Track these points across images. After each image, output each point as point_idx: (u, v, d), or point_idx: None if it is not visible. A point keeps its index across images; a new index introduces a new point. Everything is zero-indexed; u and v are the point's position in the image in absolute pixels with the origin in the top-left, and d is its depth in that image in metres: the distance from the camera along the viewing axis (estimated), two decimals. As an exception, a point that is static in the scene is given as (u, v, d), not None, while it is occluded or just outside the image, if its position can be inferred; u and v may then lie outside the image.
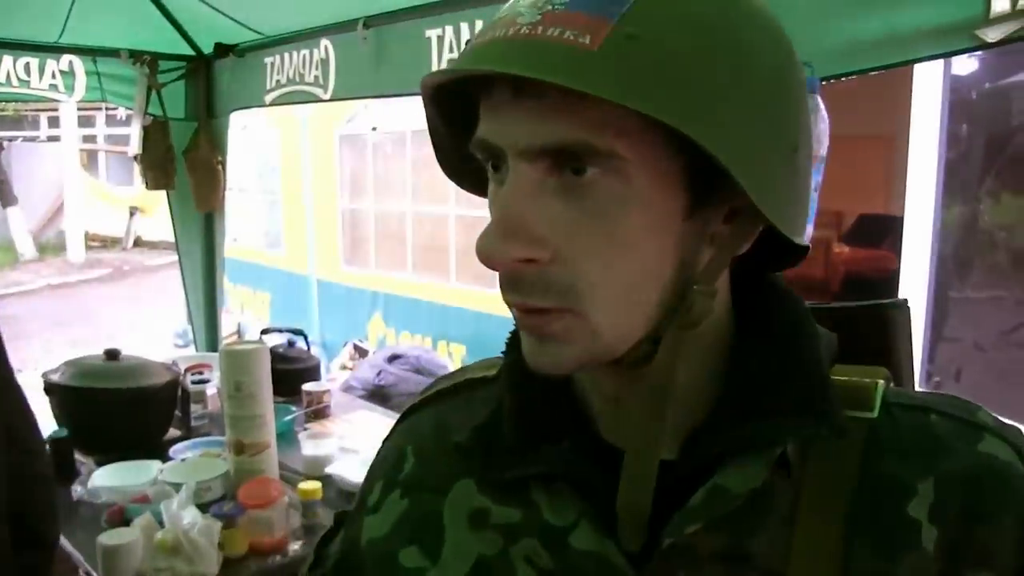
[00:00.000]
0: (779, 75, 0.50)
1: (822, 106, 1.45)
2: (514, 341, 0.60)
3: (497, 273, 0.51)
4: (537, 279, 0.49)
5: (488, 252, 0.48)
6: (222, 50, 3.10)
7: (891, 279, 3.06)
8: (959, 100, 2.83)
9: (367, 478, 0.71)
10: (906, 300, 0.70)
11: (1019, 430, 0.55)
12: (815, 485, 0.53)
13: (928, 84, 2.66)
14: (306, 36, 2.71)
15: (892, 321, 0.68)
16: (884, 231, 5.28)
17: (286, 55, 2.83)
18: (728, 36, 0.48)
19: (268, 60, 2.92)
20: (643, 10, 0.46)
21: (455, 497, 0.62)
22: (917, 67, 2.54)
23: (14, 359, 1.66)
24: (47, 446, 2.14)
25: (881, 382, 0.56)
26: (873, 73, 1.42)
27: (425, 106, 0.54)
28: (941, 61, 2.50)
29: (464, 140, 0.53)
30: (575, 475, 0.56)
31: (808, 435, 0.53)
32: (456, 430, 0.63)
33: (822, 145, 1.47)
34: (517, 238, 0.48)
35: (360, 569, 0.66)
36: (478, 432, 0.61)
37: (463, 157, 0.55)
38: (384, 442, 0.72)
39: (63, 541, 1.86)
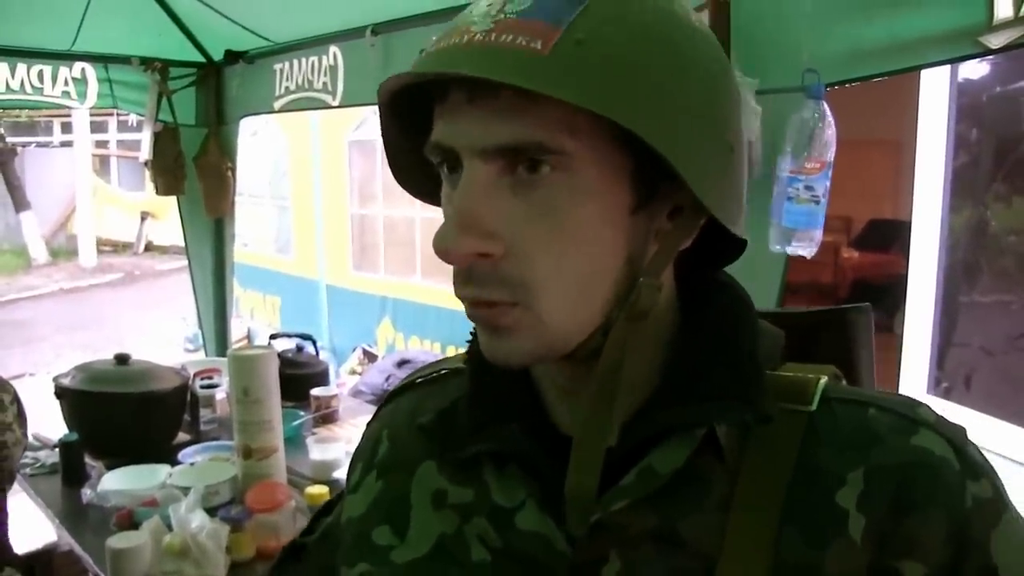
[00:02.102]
0: (714, 83, 0.53)
1: (828, 112, 1.46)
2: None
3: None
4: (491, 273, 0.51)
5: (445, 246, 0.50)
6: (232, 57, 3.13)
7: (900, 284, 3.05)
8: (969, 104, 2.82)
9: (352, 460, 0.74)
10: (868, 305, 0.73)
11: (963, 428, 0.56)
12: (752, 474, 0.54)
13: (935, 89, 2.65)
14: (315, 43, 2.73)
15: (853, 325, 0.71)
16: (893, 236, 5.28)
17: (295, 62, 2.85)
18: (668, 45, 0.51)
19: (277, 67, 2.94)
20: (590, 18, 0.49)
21: (420, 478, 0.65)
22: (924, 72, 2.53)
23: (26, 362, 1.68)
24: (57, 450, 2.17)
25: (824, 378, 0.57)
26: (877, 79, 1.43)
27: (380, 113, 0.56)
28: (948, 66, 2.50)
29: (417, 147, 0.56)
30: (523, 456, 0.58)
31: (731, 419, 0.55)
32: (424, 414, 0.67)
33: (829, 151, 1.47)
34: (473, 233, 0.50)
35: (340, 545, 0.70)
36: (441, 415, 0.65)
37: (415, 165, 0.58)
38: (368, 426, 0.75)
39: (72, 544, 1.88)
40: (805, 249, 1.51)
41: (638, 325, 0.54)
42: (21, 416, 1.64)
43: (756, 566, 0.52)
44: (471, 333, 0.62)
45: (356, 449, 0.74)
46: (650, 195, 0.53)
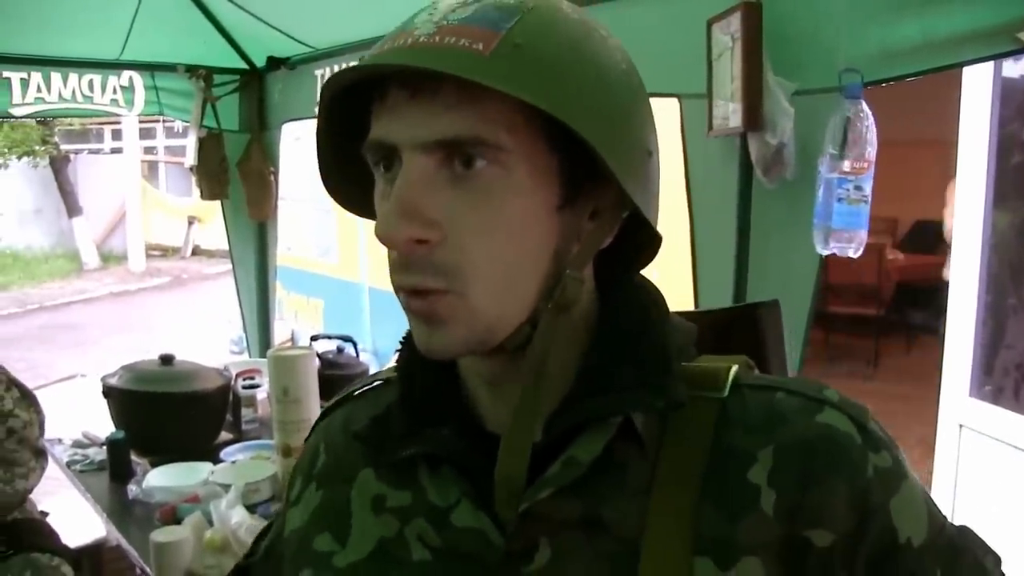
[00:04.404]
0: (632, 94, 0.59)
1: (868, 112, 1.44)
2: (409, 336, 0.65)
3: None
4: (427, 260, 0.55)
5: (387, 232, 0.54)
6: (274, 63, 3.19)
7: (946, 286, 2.99)
8: (1021, 101, 2.75)
9: (291, 475, 0.77)
10: (776, 300, 0.77)
11: (865, 407, 0.59)
12: (669, 458, 0.58)
13: (978, 87, 2.60)
14: (355, 48, 2.77)
15: (762, 319, 0.75)
16: (940, 237, 5.18)
17: (336, 67, 2.89)
18: (593, 57, 0.56)
19: (318, 72, 2.99)
20: (526, 27, 0.54)
21: (359, 485, 0.68)
22: (967, 70, 2.49)
23: (78, 364, 1.71)
24: (105, 447, 2.24)
25: (735, 367, 0.61)
26: (913, 78, 1.41)
27: (320, 112, 0.60)
28: (992, 64, 2.45)
29: (346, 156, 0.60)
30: (455, 456, 0.61)
31: (642, 407, 0.58)
32: (358, 423, 0.69)
33: (872, 150, 1.46)
34: (413, 220, 0.54)
35: (283, 557, 0.72)
36: (374, 422, 0.67)
37: (344, 174, 0.62)
38: (306, 441, 0.78)
39: (120, 539, 1.94)
40: (852, 250, 1.49)
41: (563, 318, 0.58)
42: (27, 397, 1.66)
43: (677, 545, 0.55)
44: (401, 341, 0.65)
45: (295, 464, 0.77)
46: (575, 195, 0.57)
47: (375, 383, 0.74)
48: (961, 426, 2.70)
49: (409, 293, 0.56)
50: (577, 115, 0.53)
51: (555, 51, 0.54)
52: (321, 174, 0.63)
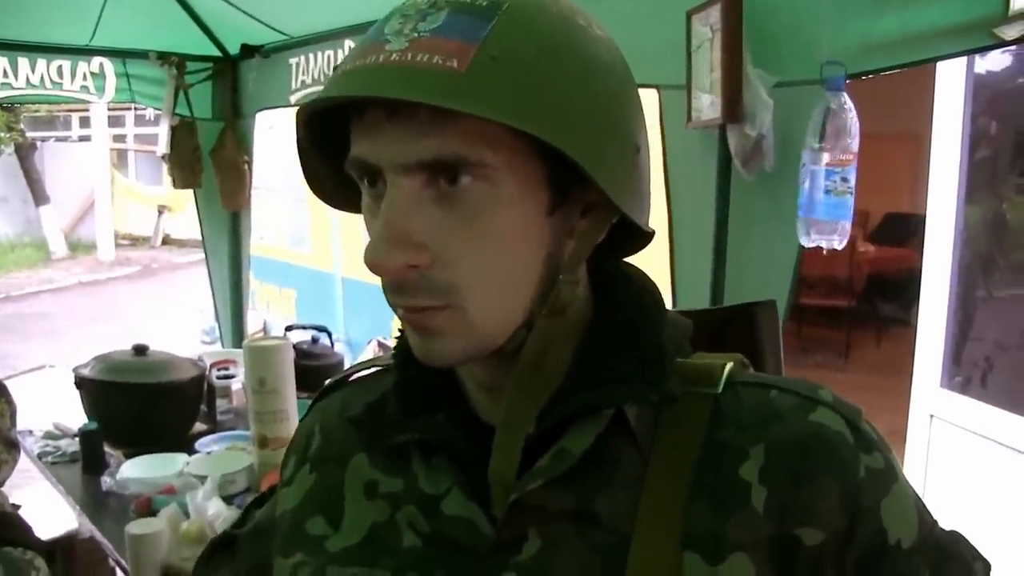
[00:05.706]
0: (619, 88, 0.57)
1: (851, 104, 1.45)
2: None
3: None
4: (421, 282, 0.54)
5: (376, 261, 0.53)
6: (248, 51, 3.15)
7: (917, 278, 3.03)
8: (990, 97, 2.79)
9: (285, 455, 0.77)
10: (773, 301, 0.78)
11: (858, 409, 0.60)
12: (662, 453, 0.58)
13: (952, 81, 2.63)
14: (330, 37, 2.75)
15: (758, 318, 0.76)
16: (911, 230, 5.25)
17: (311, 56, 2.87)
18: (575, 55, 0.54)
19: (293, 61, 2.96)
20: (501, 34, 0.51)
21: (352, 470, 0.68)
22: (940, 65, 2.51)
23: (47, 354, 1.68)
24: (77, 439, 2.21)
25: (730, 364, 0.61)
26: (890, 72, 1.42)
27: (297, 131, 0.58)
28: (964, 58, 2.48)
29: (330, 158, 0.58)
30: (447, 444, 0.61)
31: (634, 399, 0.58)
32: (353, 409, 0.69)
33: (856, 142, 1.47)
34: (401, 247, 0.53)
35: (273, 537, 0.72)
36: (369, 408, 0.67)
37: (329, 175, 0.61)
38: (301, 421, 0.78)
39: (93, 530, 1.91)
40: (837, 241, 1.50)
41: (558, 320, 0.58)
42: None
43: (667, 539, 0.55)
44: (400, 329, 0.64)
45: (290, 443, 0.77)
46: (563, 196, 0.56)
47: (374, 368, 0.75)
48: (932, 416, 2.74)
49: (407, 310, 0.56)
50: (560, 129, 0.51)
51: (534, 58, 0.52)
52: (306, 178, 0.62)
